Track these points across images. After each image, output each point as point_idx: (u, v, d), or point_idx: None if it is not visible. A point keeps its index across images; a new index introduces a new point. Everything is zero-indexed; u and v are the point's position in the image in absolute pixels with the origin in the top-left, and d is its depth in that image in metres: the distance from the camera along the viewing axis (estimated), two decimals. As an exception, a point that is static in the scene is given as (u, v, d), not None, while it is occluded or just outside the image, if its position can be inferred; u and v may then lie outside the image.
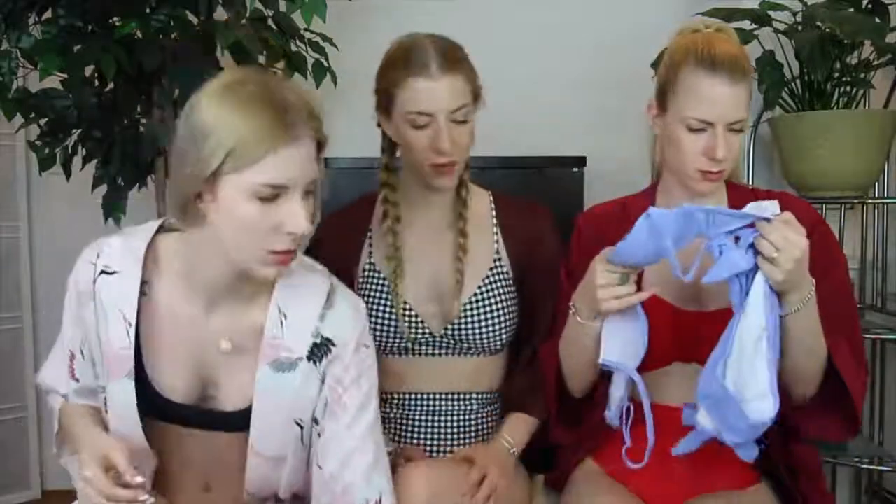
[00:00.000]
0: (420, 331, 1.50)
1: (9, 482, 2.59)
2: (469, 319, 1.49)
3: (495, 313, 1.50)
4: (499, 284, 1.52)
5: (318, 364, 1.20)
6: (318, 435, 1.21)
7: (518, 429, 1.51)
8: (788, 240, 1.15)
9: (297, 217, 1.08)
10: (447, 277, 1.51)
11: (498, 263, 1.54)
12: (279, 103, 1.07)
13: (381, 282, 1.52)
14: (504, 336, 1.52)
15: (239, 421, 1.20)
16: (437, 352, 1.52)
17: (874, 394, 2.34)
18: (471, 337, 1.49)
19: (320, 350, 1.19)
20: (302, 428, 1.21)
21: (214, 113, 1.06)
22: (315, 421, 1.21)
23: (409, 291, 1.51)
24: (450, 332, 1.50)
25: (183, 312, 1.20)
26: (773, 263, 1.15)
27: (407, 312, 1.50)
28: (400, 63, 1.43)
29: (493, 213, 1.58)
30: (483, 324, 1.49)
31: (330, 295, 1.23)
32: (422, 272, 1.52)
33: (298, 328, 1.19)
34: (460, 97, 1.42)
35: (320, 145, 1.12)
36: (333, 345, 1.20)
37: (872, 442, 2.32)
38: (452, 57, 1.43)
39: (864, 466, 2.17)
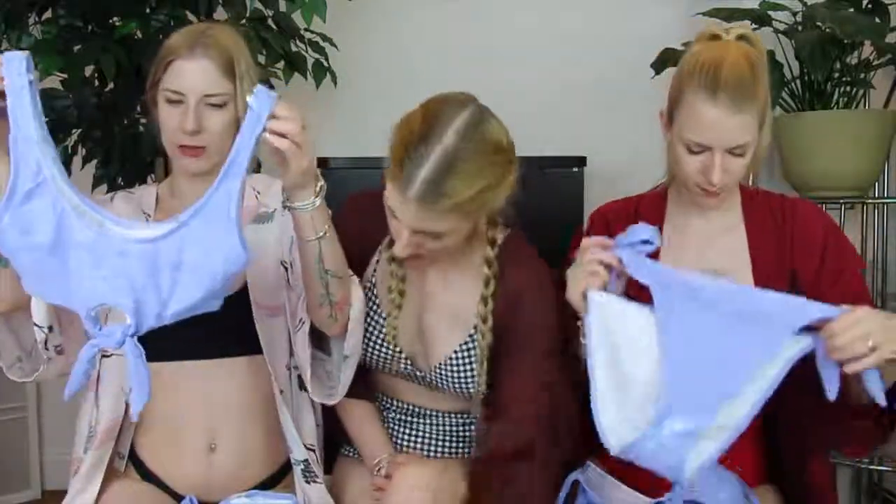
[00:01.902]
0: (405, 366, 1.44)
1: (9, 482, 2.59)
2: (450, 372, 1.42)
3: (475, 370, 1.41)
4: (483, 343, 1.39)
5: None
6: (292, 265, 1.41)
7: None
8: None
9: (187, 117, 1.33)
10: (439, 324, 1.43)
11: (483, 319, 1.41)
12: (193, 30, 1.38)
13: (376, 311, 1.45)
14: (484, 388, 1.41)
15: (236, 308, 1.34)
16: (423, 384, 1.46)
17: (874, 394, 2.34)
18: (452, 385, 1.42)
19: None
20: (287, 269, 1.41)
21: None
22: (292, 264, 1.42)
23: (399, 328, 1.44)
24: (432, 376, 1.44)
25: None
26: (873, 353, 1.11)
27: (394, 349, 1.44)
28: (397, 150, 1.25)
29: (496, 257, 1.40)
30: (463, 379, 1.41)
31: None
32: (413, 313, 1.45)
33: (271, 193, 1.47)
34: (434, 225, 1.26)
35: (231, 73, 1.35)
36: None
37: (872, 442, 2.32)
38: (441, 191, 1.22)
39: (865, 466, 2.18)
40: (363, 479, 1.47)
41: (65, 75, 1.93)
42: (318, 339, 1.40)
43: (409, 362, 1.44)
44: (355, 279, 1.37)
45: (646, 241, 1.21)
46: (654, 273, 1.21)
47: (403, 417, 1.51)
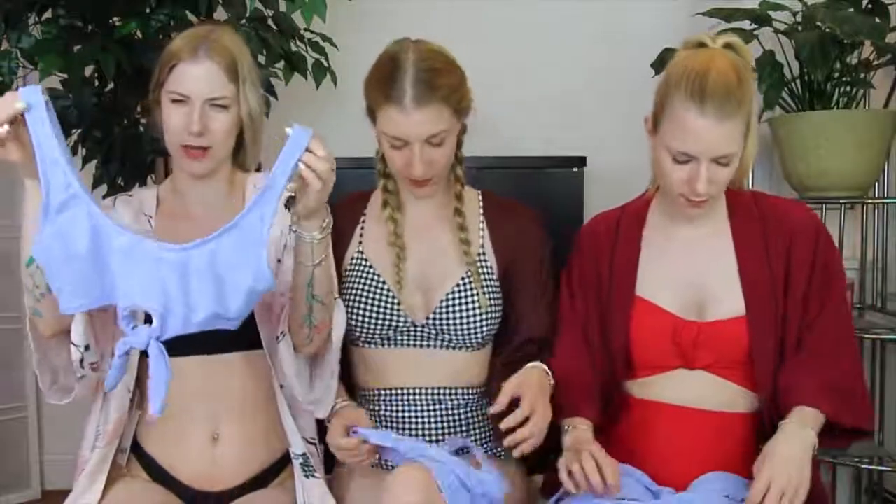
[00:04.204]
0: (402, 319, 1.50)
1: (9, 482, 2.59)
2: (451, 311, 1.50)
3: (476, 307, 1.50)
4: (482, 278, 1.52)
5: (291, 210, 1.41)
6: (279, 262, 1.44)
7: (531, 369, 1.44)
8: None
9: (192, 119, 1.35)
10: (434, 270, 1.53)
11: (482, 258, 1.54)
12: (196, 34, 1.39)
13: (368, 270, 1.53)
14: (485, 330, 1.51)
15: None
16: (419, 343, 1.52)
17: (874, 394, 2.34)
18: (452, 328, 1.50)
19: (293, 200, 1.37)
20: (280, 263, 1.44)
21: None
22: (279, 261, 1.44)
23: (401, 280, 1.51)
24: (431, 322, 1.50)
25: (182, 219, 1.44)
26: None
27: (391, 300, 1.50)
28: (380, 83, 1.42)
29: (481, 209, 1.59)
30: (464, 316, 1.50)
31: None
32: (408, 264, 1.52)
33: None
34: (435, 126, 1.41)
35: (235, 75, 1.37)
36: None
37: (872, 442, 2.32)
38: (431, 85, 1.39)
39: (865, 466, 2.17)
40: (361, 491, 1.50)
41: (65, 75, 1.94)
42: None
43: (405, 314, 1.50)
44: (340, 304, 1.43)
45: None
46: None
47: (388, 408, 1.53)
